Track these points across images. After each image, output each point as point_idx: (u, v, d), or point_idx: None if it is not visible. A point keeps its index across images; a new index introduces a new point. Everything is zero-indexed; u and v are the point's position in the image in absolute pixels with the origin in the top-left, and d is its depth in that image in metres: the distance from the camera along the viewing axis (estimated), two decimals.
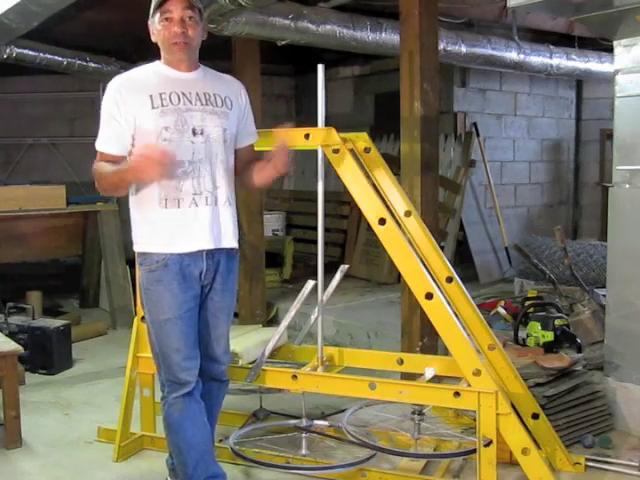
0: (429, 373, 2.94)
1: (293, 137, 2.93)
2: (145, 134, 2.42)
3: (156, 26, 2.46)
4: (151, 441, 3.24)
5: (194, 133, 2.44)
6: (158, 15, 2.44)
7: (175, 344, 2.48)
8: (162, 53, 2.51)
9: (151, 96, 2.41)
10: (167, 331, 2.48)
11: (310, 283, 3.01)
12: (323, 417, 3.49)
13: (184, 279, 2.47)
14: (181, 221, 2.45)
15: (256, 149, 2.79)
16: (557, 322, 4.16)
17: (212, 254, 2.51)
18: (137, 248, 2.54)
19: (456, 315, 2.74)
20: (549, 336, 4.12)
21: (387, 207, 2.81)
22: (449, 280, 2.91)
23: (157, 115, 2.41)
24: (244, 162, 2.66)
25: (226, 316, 2.65)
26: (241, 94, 2.64)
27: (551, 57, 6.24)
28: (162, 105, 2.41)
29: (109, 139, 2.45)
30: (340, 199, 6.98)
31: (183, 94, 2.46)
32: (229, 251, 2.58)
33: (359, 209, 2.82)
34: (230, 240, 2.57)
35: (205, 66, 2.60)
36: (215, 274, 2.54)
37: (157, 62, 2.54)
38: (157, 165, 2.27)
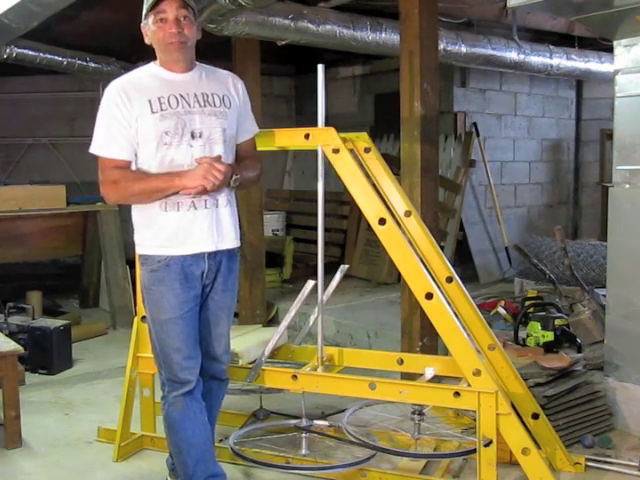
0: (429, 373, 2.94)
1: (293, 137, 2.94)
2: (146, 139, 2.41)
3: (150, 27, 2.44)
4: (151, 441, 3.24)
5: (193, 136, 2.43)
6: (152, 16, 2.42)
7: (176, 344, 2.48)
8: (157, 54, 2.50)
9: (150, 101, 2.40)
10: (168, 331, 2.48)
11: (310, 283, 3.01)
12: (323, 417, 3.49)
13: (186, 279, 2.47)
14: (180, 224, 2.45)
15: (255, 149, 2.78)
16: (557, 322, 4.17)
17: (214, 254, 2.51)
18: (139, 250, 2.54)
19: (456, 315, 2.74)
20: (549, 336, 4.13)
21: (387, 207, 2.81)
22: (449, 280, 2.91)
23: (157, 120, 2.39)
24: (240, 157, 2.63)
25: (227, 315, 2.65)
26: (239, 89, 2.62)
27: (551, 57, 6.24)
28: (161, 109, 2.40)
29: (118, 144, 2.41)
30: (340, 199, 6.99)
31: (181, 96, 2.44)
32: (231, 251, 2.58)
33: (359, 209, 2.82)
34: (232, 241, 2.57)
35: (201, 63, 2.58)
36: (216, 274, 2.54)
37: (152, 64, 2.52)
38: (219, 175, 2.35)
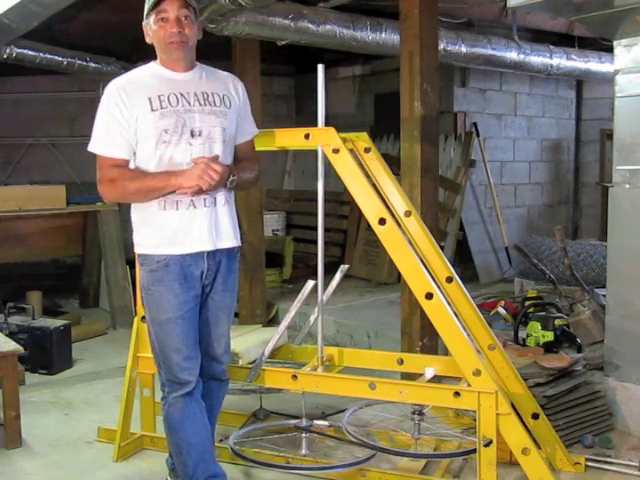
0: (429, 373, 2.94)
1: (293, 137, 2.94)
2: (145, 136, 2.41)
3: (152, 26, 2.45)
4: (151, 441, 3.24)
5: (192, 135, 2.43)
6: (153, 16, 2.43)
7: (175, 344, 2.48)
8: (158, 53, 2.50)
9: (150, 99, 2.40)
10: (168, 331, 2.48)
11: (310, 283, 3.01)
12: (323, 417, 3.49)
13: (185, 279, 2.47)
14: (180, 223, 2.44)
15: (256, 149, 2.78)
16: (557, 322, 4.17)
17: (213, 254, 2.51)
18: (138, 250, 2.54)
19: (456, 315, 2.74)
20: (549, 336, 4.13)
21: (387, 207, 2.81)
22: (449, 280, 2.91)
23: (157, 118, 2.40)
24: (238, 159, 2.63)
25: (227, 316, 2.65)
26: (239, 90, 2.62)
27: (551, 57, 6.25)
28: (161, 107, 2.40)
29: (117, 143, 2.41)
30: (340, 199, 6.98)
31: (182, 95, 2.45)
32: (230, 250, 2.58)
33: (359, 209, 2.82)
34: (231, 240, 2.56)
35: (202, 64, 2.58)
36: (216, 274, 2.54)
37: (152, 63, 2.53)
38: (216, 176, 2.35)
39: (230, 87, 2.60)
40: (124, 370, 3.20)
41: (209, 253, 2.50)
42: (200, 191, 2.39)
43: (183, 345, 2.49)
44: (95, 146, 2.45)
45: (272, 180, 8.16)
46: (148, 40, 2.51)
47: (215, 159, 2.43)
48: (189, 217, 2.45)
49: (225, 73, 2.66)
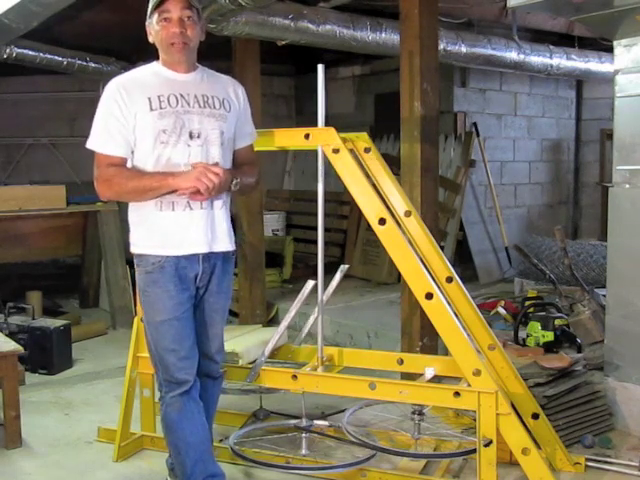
0: (429, 373, 2.94)
1: (293, 137, 2.94)
2: (143, 135, 2.41)
3: (154, 26, 2.45)
4: (151, 441, 3.24)
5: (191, 136, 2.43)
6: (156, 15, 2.43)
7: (171, 345, 2.48)
8: (160, 54, 2.50)
9: (149, 98, 2.40)
10: (164, 332, 2.48)
11: (310, 283, 3.01)
12: (323, 417, 3.49)
13: (180, 280, 2.47)
14: (175, 224, 2.44)
15: (256, 149, 2.78)
16: (557, 322, 4.17)
17: (208, 257, 2.51)
18: (134, 250, 2.53)
19: (456, 315, 2.74)
20: (549, 336, 4.13)
21: (387, 207, 2.81)
22: (449, 280, 2.91)
23: (155, 117, 2.39)
24: (238, 163, 2.63)
25: (221, 317, 2.65)
26: (239, 95, 2.63)
27: (551, 57, 6.25)
28: (160, 107, 2.40)
29: (115, 140, 2.41)
30: (340, 199, 6.99)
31: (181, 96, 2.44)
32: (225, 253, 2.58)
33: (359, 209, 2.82)
34: (226, 243, 2.56)
35: (203, 66, 2.59)
36: (211, 276, 2.54)
37: (154, 63, 2.53)
38: (215, 179, 2.35)
39: (230, 91, 2.60)
40: (124, 370, 3.20)
41: (204, 256, 2.49)
42: (199, 194, 2.38)
43: (179, 345, 2.49)
44: (93, 143, 2.44)
45: (272, 180, 8.16)
46: (150, 40, 2.51)
47: (215, 165, 2.43)
48: (185, 219, 2.45)
49: (226, 77, 2.66)
